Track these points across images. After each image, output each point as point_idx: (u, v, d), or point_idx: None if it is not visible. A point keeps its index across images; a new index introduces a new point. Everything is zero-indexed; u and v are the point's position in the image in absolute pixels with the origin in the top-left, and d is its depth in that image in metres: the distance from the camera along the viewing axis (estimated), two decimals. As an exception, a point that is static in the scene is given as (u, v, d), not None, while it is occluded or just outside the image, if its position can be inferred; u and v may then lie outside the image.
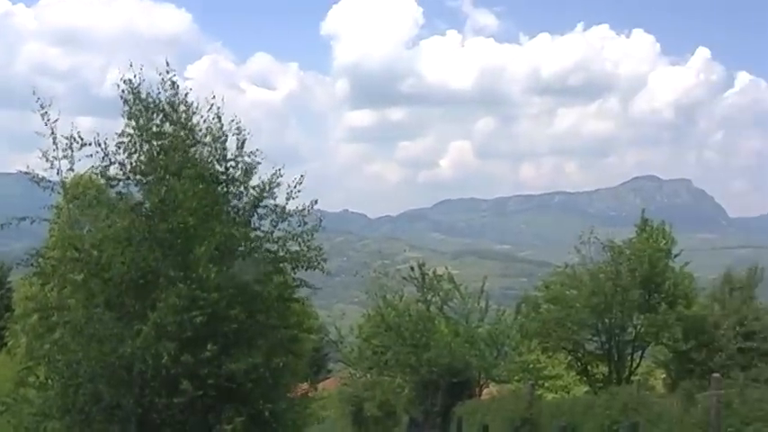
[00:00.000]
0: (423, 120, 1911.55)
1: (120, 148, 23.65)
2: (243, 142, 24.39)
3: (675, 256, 45.04)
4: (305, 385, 28.05)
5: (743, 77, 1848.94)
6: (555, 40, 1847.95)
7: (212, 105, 24.09)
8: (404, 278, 49.99)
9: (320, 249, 25.60)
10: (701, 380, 34.10)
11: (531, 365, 47.27)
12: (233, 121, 24.34)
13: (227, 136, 24.11)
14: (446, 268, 52.59)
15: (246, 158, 24.48)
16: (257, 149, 24.61)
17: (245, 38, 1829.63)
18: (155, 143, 23.46)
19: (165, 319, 20.88)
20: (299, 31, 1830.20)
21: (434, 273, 48.94)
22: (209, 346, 20.97)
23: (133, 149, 23.58)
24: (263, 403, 22.26)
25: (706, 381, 19.58)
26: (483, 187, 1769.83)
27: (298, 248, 25.08)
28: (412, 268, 49.06)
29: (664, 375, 49.10)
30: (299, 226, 25.26)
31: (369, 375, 51.40)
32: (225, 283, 21.90)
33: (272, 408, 22.32)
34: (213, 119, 24.06)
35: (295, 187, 25.16)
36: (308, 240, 25.29)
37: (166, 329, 20.96)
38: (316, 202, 25.87)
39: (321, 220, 25.86)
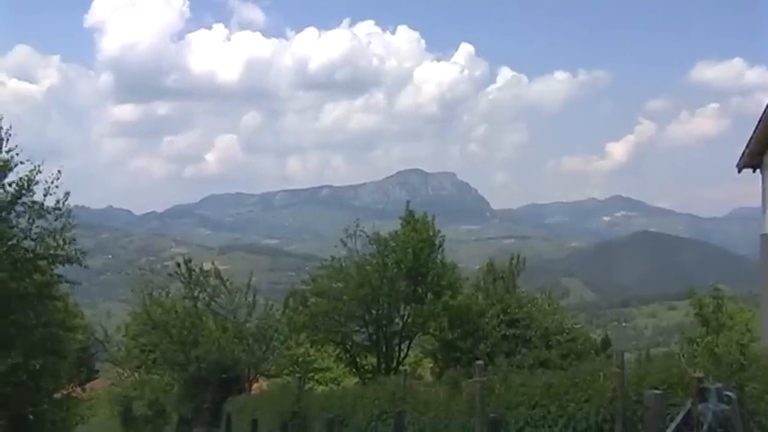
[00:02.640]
0: (189, 114, 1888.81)
1: None
2: (2, 140, 23.68)
3: (439, 246, 46.06)
4: (71, 386, 27.51)
5: (505, 73, 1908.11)
6: (322, 36, 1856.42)
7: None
8: (170, 275, 49.50)
9: (74, 241, 25.13)
10: (466, 367, 35.18)
11: (301, 359, 47.68)
12: (-9, 116, 23.61)
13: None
14: (213, 264, 52.46)
15: (4, 155, 23.80)
16: (16, 146, 23.97)
17: (5, 29, 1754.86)
18: None
19: None
20: (62, 22, 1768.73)
21: (201, 269, 48.65)
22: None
23: None
24: (24, 406, 21.71)
25: (471, 368, 20.23)
26: (250, 182, 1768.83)
27: (55, 244, 24.55)
28: (178, 264, 48.59)
29: (431, 364, 50.31)
30: (56, 221, 24.76)
31: (137, 374, 50.74)
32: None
33: (34, 410, 21.80)
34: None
35: (53, 183, 24.61)
36: (65, 235, 24.79)
37: None
38: (68, 194, 25.35)
39: (70, 212, 25.37)
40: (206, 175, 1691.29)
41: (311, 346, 47.74)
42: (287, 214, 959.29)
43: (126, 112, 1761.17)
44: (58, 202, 24.47)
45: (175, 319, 45.32)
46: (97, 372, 68.66)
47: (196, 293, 47.10)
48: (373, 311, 44.53)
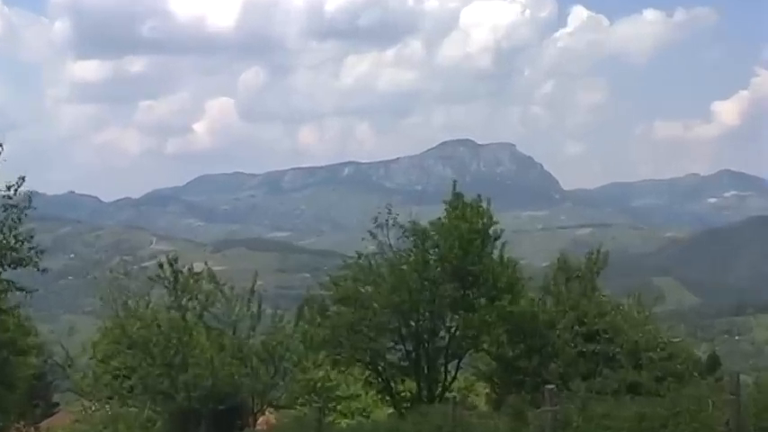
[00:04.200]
0: (171, 72, 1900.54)
1: None
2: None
3: (496, 238, 45.89)
4: (22, 424, 27.65)
5: (579, 13, 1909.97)
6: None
7: None
8: (150, 278, 49.62)
9: (31, 238, 25.28)
10: (533, 393, 35.24)
11: (320, 384, 47.80)
12: None
13: None
14: (206, 264, 52.54)
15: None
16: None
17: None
18: None
19: None
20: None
21: (191, 270, 48.74)
22: None
23: None
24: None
25: (539, 394, 20.24)
26: (251, 158, 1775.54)
27: (3, 241, 24.71)
28: (161, 265, 48.64)
29: (487, 389, 50.38)
30: (4, 211, 24.90)
31: (108, 407, 50.95)
32: None
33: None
34: None
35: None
36: (15, 229, 24.94)
37: None
38: (23, 179, 25.48)
39: (30, 200, 25.52)
40: (195, 151, 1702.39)
41: (333, 368, 47.89)
42: (299, 199, 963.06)
43: (90, 70, 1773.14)
44: (8, 188, 24.62)
45: (158, 336, 45.43)
46: (57, 405, 69.07)
47: (184, 302, 47.18)
48: (411, 323, 44.59)
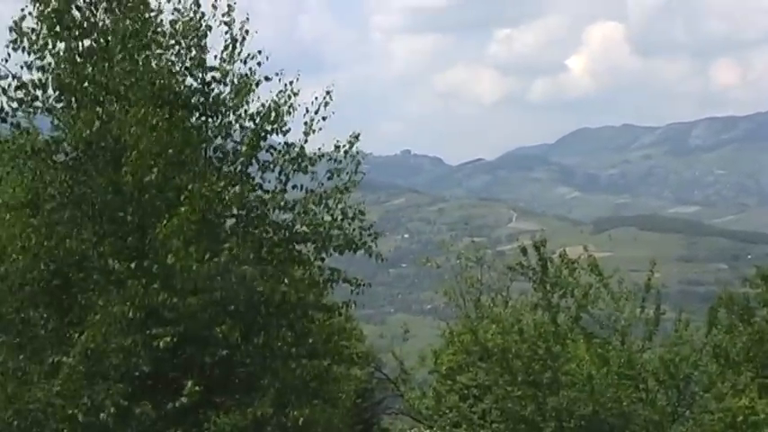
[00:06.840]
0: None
1: (17, 48, 23.96)
2: (238, 40, 24.58)
3: None
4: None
5: None
6: None
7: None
8: (511, 267, 50.02)
9: (362, 214, 25.81)
10: None
11: (741, 418, 47.33)
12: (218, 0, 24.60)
13: (209, 28, 24.37)
14: (585, 248, 52.66)
15: (241, 66, 24.70)
16: (259, 52, 24.76)
17: None
18: (81, 43, 23.72)
19: (103, 344, 20.90)
20: None
21: (564, 257, 48.84)
22: (185, 391, 21.11)
23: (39, 52, 23.84)
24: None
25: None
26: (647, 106, 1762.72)
27: (327, 218, 25.32)
28: (524, 250, 48.96)
29: None
30: (329, 179, 25.52)
31: (455, 437, 51.78)
32: (206, 282, 21.82)
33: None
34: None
35: (316, 112, 25.40)
36: (343, 203, 25.54)
37: (105, 363, 21.00)
38: (357, 137, 26.12)
39: (359, 164, 26.06)
40: (569, 97, 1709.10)
41: (761, 396, 47.36)
42: (713, 161, 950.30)
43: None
44: (337, 148, 25.16)
45: (521, 345, 45.82)
46: (385, 431, 70.29)
47: (556, 300, 47.34)
48: None
